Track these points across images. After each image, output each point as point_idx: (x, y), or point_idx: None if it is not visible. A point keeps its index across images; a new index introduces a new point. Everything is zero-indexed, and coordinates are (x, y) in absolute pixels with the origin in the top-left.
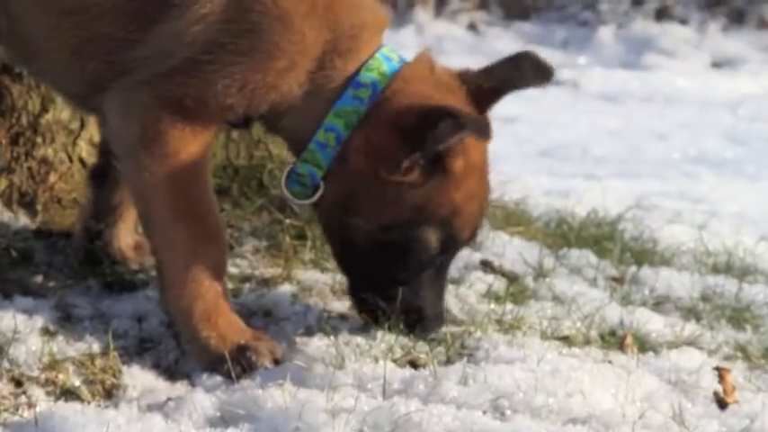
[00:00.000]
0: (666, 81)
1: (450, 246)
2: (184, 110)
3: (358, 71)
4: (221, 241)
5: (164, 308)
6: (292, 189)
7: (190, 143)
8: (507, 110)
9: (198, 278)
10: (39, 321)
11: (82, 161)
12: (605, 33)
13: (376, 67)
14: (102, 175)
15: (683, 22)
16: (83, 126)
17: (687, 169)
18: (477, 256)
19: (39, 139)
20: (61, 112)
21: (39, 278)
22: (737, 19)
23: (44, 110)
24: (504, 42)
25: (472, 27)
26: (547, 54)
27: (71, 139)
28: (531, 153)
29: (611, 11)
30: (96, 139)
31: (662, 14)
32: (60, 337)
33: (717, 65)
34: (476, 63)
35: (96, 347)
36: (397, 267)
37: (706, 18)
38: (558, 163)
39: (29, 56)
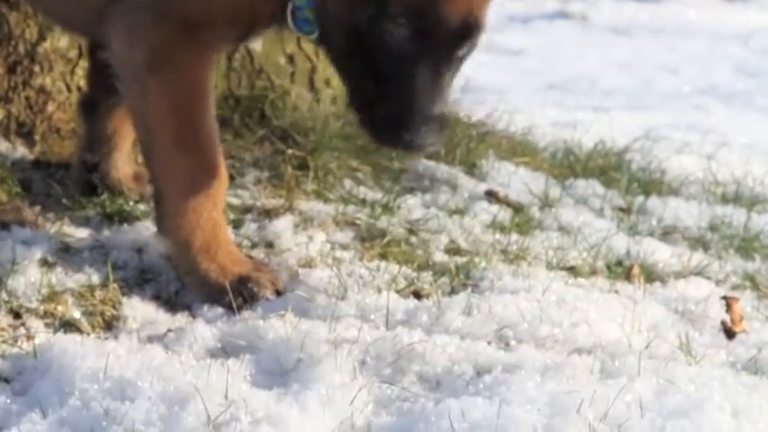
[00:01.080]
0: (677, 13)
1: (426, 24)
2: (189, 29)
3: None
4: (221, 172)
5: (161, 239)
6: (303, 29)
7: (195, 66)
8: (514, 42)
9: (197, 209)
10: (37, 253)
11: (80, 90)
12: None
13: None
14: (92, 105)
15: None
16: (81, 54)
17: (697, 101)
18: (482, 187)
19: (36, 68)
20: (59, 40)
21: (37, 209)
22: None
23: (42, 38)
24: None
25: None
26: None
27: (69, 68)
28: (538, 85)
29: None
30: None
31: None
32: (59, 269)
33: None
34: None
35: (96, 279)
36: (378, 58)
37: None
38: (565, 95)
39: None
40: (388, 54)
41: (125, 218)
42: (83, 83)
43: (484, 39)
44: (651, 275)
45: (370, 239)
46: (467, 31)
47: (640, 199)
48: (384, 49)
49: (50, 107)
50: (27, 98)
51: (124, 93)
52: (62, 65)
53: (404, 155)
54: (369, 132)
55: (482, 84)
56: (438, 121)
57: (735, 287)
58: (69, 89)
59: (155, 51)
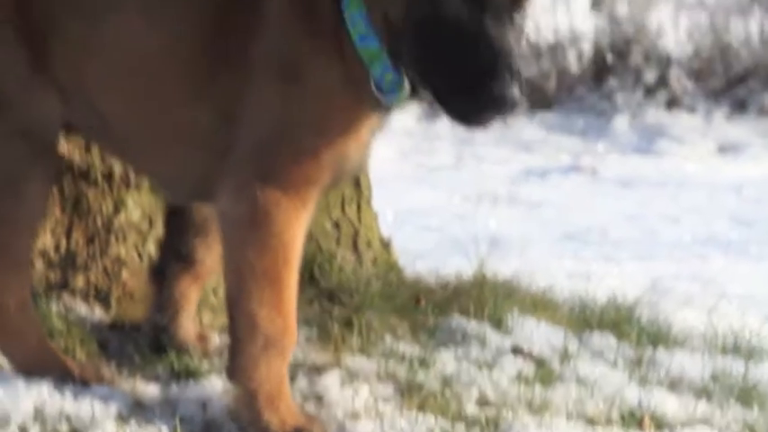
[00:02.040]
0: (677, 166)
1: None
2: (292, 187)
3: None
4: (293, 330)
5: (231, 387)
6: (394, 93)
7: (294, 224)
8: (534, 194)
9: (270, 363)
10: (114, 408)
11: (151, 258)
12: (621, 122)
13: None
14: (162, 272)
15: (691, 111)
16: (152, 226)
17: (698, 251)
18: (508, 342)
19: (112, 239)
20: (132, 214)
21: (113, 367)
22: (740, 108)
23: (117, 212)
24: (529, 131)
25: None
26: (567, 141)
27: (141, 239)
28: (555, 235)
29: (626, 101)
30: None
31: (672, 104)
32: (133, 422)
33: (722, 150)
34: (504, 150)
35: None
36: (443, 40)
37: (712, 107)
38: (580, 246)
39: (121, 147)
40: (457, 27)
41: (191, 374)
42: (153, 252)
43: (507, 192)
44: (661, 424)
45: (409, 392)
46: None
47: (649, 351)
48: (452, 25)
49: (125, 274)
50: (104, 266)
51: (224, 245)
52: (135, 236)
53: (498, 115)
54: (461, 110)
55: (507, 235)
56: (519, 76)
57: None
58: (141, 258)
59: (258, 208)
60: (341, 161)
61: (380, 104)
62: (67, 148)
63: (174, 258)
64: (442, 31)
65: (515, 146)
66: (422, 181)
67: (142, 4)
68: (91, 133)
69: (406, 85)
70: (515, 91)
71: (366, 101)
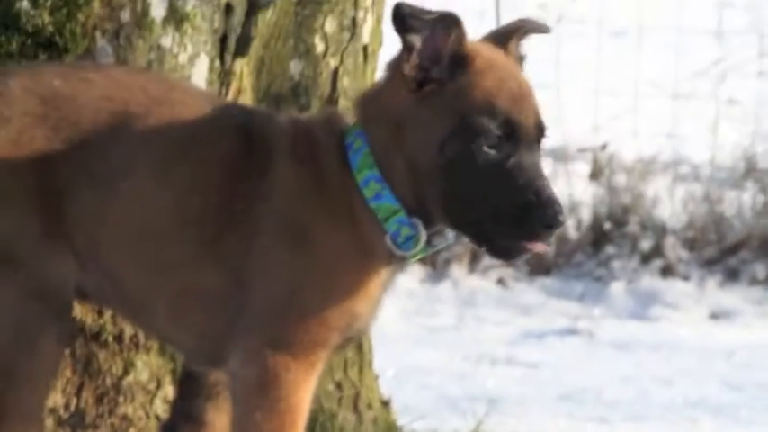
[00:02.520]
0: (671, 331)
1: (515, 133)
2: (301, 352)
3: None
4: None
5: None
6: (409, 248)
7: (302, 388)
8: (531, 356)
9: None
10: None
11: (158, 417)
12: (617, 288)
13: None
14: (171, 429)
15: (685, 278)
16: (159, 386)
17: (689, 413)
18: None
19: (120, 399)
20: (141, 374)
21: None
22: (732, 276)
23: (126, 372)
24: (528, 295)
25: (501, 282)
26: (565, 305)
27: (149, 398)
28: (552, 396)
29: (622, 268)
30: (170, 397)
31: (666, 272)
32: None
33: (715, 317)
34: (504, 313)
35: None
36: (482, 178)
37: (705, 275)
38: (574, 406)
39: (135, 312)
40: (495, 165)
41: None
42: (160, 411)
43: (506, 353)
44: None
45: None
46: (540, 131)
47: None
48: (490, 163)
49: None
50: (112, 424)
51: (233, 407)
52: (142, 396)
53: (546, 239)
54: (506, 248)
55: (505, 395)
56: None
57: None
58: (148, 416)
59: (267, 372)
60: (351, 321)
61: (394, 258)
62: (80, 310)
63: (183, 419)
64: (479, 171)
65: (515, 309)
66: (423, 341)
67: (152, 170)
68: (105, 298)
69: (423, 237)
70: (560, 215)
71: (377, 259)
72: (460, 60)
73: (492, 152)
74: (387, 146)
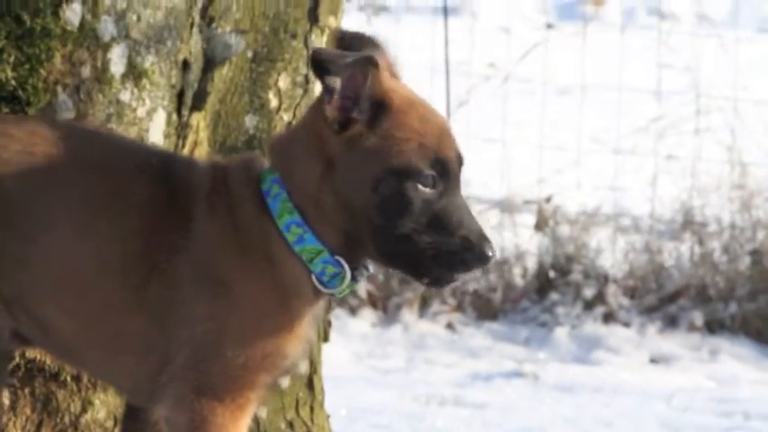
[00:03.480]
0: (612, 375)
1: (445, 169)
2: (221, 395)
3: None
4: None
5: None
6: (334, 285)
7: (230, 430)
8: (479, 397)
9: None
10: None
11: None
12: (561, 333)
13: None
14: None
15: (626, 324)
16: (116, 424)
17: None
18: None
19: None
20: (98, 412)
21: None
22: (671, 323)
23: (84, 411)
24: (476, 339)
25: (450, 326)
26: (511, 350)
27: None
28: None
29: (566, 314)
30: None
31: (608, 318)
32: None
33: (654, 361)
34: (453, 356)
35: None
36: (417, 216)
37: (645, 322)
38: None
39: (66, 354)
40: (424, 207)
41: None
42: None
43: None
44: None
45: None
46: (461, 163)
47: None
48: (420, 206)
49: None
50: None
51: None
52: None
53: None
54: (440, 278)
55: None
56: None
57: None
58: None
59: (195, 418)
60: (277, 361)
61: (320, 296)
62: (40, 351)
63: None
64: (413, 210)
65: (463, 352)
66: (375, 382)
67: (73, 222)
68: (41, 343)
69: (348, 274)
70: (492, 251)
71: (301, 300)
72: (381, 101)
73: (426, 191)
74: (313, 187)
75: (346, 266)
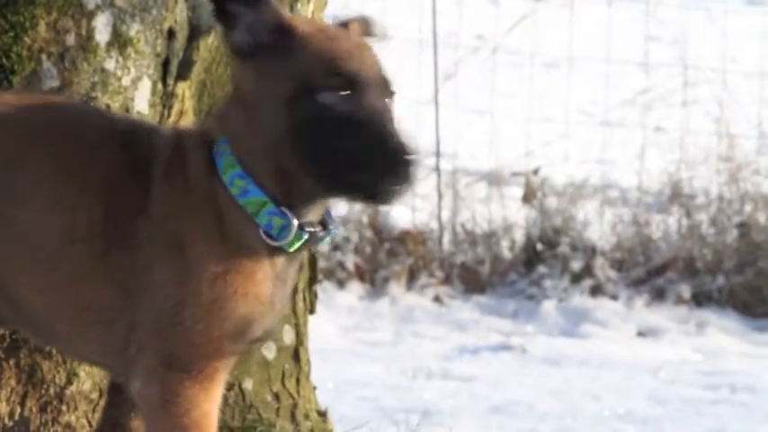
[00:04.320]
0: (600, 348)
1: (355, 83)
2: (187, 366)
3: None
4: None
5: None
6: (282, 237)
7: (201, 401)
8: (466, 370)
9: None
10: None
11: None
12: (548, 306)
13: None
14: None
15: (614, 297)
16: (101, 396)
17: (615, 426)
18: None
19: (63, 408)
20: (83, 384)
21: None
22: (659, 296)
23: (69, 382)
24: (463, 312)
25: (437, 299)
26: (499, 323)
27: (91, 407)
28: (484, 409)
29: (554, 287)
30: None
31: (596, 291)
32: None
33: (641, 334)
34: (440, 329)
35: None
36: (332, 131)
37: (632, 295)
38: (506, 418)
39: (37, 330)
40: (337, 121)
41: None
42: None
43: (441, 367)
44: None
45: None
46: (385, 83)
47: None
48: (333, 120)
49: None
50: None
51: (143, 423)
52: (85, 405)
53: (407, 182)
54: (371, 192)
55: (439, 407)
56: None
57: None
58: (90, 425)
59: (165, 390)
60: (241, 325)
61: (276, 253)
62: None
63: (110, 427)
64: (327, 125)
65: (450, 325)
66: (362, 355)
67: (42, 193)
68: (9, 320)
69: (294, 223)
70: (412, 156)
71: (251, 258)
72: (285, 28)
73: (334, 105)
74: (242, 133)
75: (290, 215)
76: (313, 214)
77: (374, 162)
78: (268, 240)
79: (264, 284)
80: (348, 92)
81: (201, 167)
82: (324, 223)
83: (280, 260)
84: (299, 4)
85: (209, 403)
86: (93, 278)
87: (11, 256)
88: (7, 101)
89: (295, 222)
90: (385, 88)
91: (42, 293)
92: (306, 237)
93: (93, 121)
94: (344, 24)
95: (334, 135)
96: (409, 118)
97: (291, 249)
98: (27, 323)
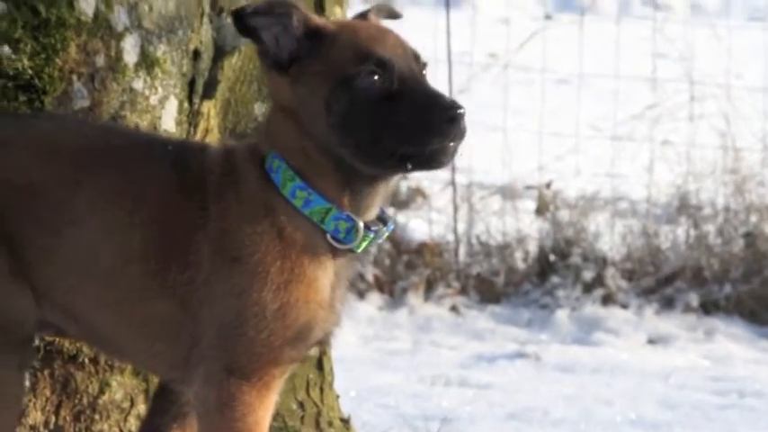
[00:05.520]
0: (612, 355)
1: (387, 64)
2: (247, 373)
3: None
4: None
5: None
6: (349, 240)
7: (257, 408)
8: (483, 378)
9: None
10: None
11: None
12: (562, 315)
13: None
14: None
15: (625, 306)
16: (133, 405)
17: (628, 431)
18: None
19: (96, 417)
20: (115, 393)
21: None
22: (668, 304)
23: (101, 392)
24: (480, 321)
25: (454, 309)
26: (514, 332)
27: (123, 416)
28: (501, 416)
29: (566, 297)
30: (143, 415)
31: (607, 300)
32: None
33: (652, 342)
34: (458, 338)
35: None
36: (375, 109)
37: (643, 303)
38: (523, 425)
39: (101, 342)
40: (378, 99)
41: None
42: (134, 428)
43: (458, 375)
44: None
45: None
46: (417, 59)
47: None
48: (374, 100)
49: None
50: None
51: (198, 427)
52: (117, 414)
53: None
54: (430, 149)
55: (457, 414)
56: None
57: None
58: None
59: (223, 395)
60: (302, 331)
61: (339, 254)
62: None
63: None
64: (369, 107)
65: (467, 334)
66: (382, 364)
67: (94, 213)
68: (73, 333)
69: (361, 225)
70: (459, 110)
71: (316, 265)
72: (313, 33)
73: (371, 89)
74: (295, 143)
75: (355, 217)
76: (373, 212)
77: (424, 125)
78: (336, 245)
79: (325, 290)
80: (381, 71)
81: (255, 182)
82: (382, 220)
83: (339, 261)
84: (326, 4)
85: (264, 410)
86: (150, 294)
87: (68, 275)
88: (66, 127)
89: (361, 224)
90: (415, 60)
91: (101, 311)
92: (371, 235)
93: (143, 144)
94: (363, 15)
95: (379, 114)
96: None
97: (359, 249)
98: (93, 339)
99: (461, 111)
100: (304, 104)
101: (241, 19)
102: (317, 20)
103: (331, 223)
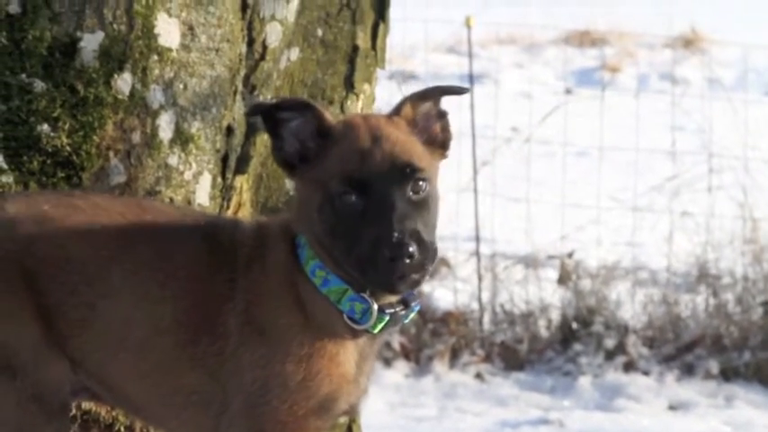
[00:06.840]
0: (633, 421)
1: (361, 184)
2: None
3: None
4: None
5: None
6: (365, 321)
7: None
8: None
9: None
10: None
11: None
12: (584, 382)
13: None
14: None
15: (646, 373)
16: None
17: None
18: None
19: None
20: None
21: None
22: (688, 371)
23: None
24: (504, 388)
25: (479, 376)
26: (537, 398)
27: None
28: None
29: (589, 364)
30: None
31: (629, 367)
32: None
33: (673, 408)
34: (482, 405)
35: None
36: (347, 232)
37: (664, 370)
38: None
39: (134, 410)
40: (350, 223)
41: None
42: None
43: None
44: None
45: None
46: (401, 171)
47: None
48: (347, 223)
49: None
50: None
51: None
52: None
53: (403, 276)
54: (382, 281)
55: None
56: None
57: None
58: None
59: None
60: (326, 403)
61: (359, 334)
62: (95, 403)
63: None
64: (344, 227)
65: (492, 401)
66: (408, 430)
67: (128, 287)
68: (109, 399)
69: (375, 307)
70: (405, 248)
71: (335, 342)
72: (324, 130)
73: (350, 206)
74: (309, 230)
75: (371, 300)
76: (392, 296)
77: (371, 257)
78: (352, 324)
79: (348, 364)
80: (358, 193)
81: (282, 258)
82: (405, 302)
83: (362, 340)
84: (348, 102)
85: None
86: (181, 365)
87: (102, 346)
88: (104, 206)
89: (375, 306)
90: (401, 175)
91: (133, 381)
92: (387, 318)
93: (176, 219)
94: (398, 109)
95: (353, 234)
96: (450, 205)
97: (375, 331)
98: (126, 407)
99: (406, 250)
100: (306, 205)
101: (267, 111)
102: (331, 118)
103: (347, 304)
